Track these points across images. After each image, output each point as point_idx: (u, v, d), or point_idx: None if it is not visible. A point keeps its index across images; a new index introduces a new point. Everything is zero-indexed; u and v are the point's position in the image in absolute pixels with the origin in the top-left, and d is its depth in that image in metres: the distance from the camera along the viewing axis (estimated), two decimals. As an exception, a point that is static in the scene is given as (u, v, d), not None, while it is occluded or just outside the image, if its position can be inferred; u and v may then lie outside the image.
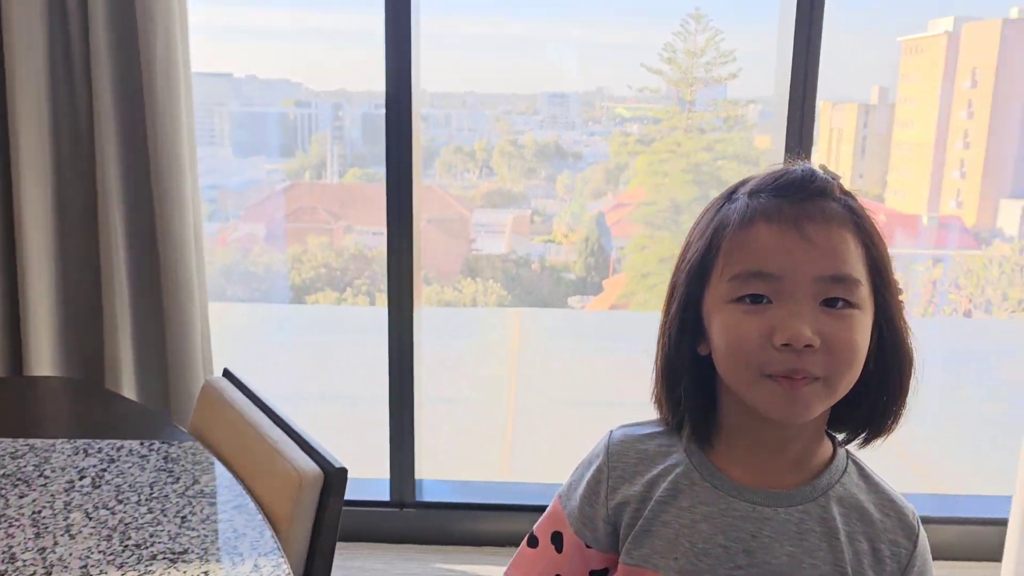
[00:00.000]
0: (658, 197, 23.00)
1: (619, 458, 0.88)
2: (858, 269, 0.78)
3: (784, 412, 0.77)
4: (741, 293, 0.78)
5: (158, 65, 2.00)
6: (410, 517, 2.42)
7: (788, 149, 2.08)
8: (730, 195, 0.84)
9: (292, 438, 1.31)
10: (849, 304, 0.77)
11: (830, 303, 0.77)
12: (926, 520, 0.85)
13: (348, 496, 2.51)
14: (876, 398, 0.82)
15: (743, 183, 0.84)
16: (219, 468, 1.33)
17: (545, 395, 4.84)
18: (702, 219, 0.85)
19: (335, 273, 19.45)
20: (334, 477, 1.22)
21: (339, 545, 1.82)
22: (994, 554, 2.25)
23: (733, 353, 0.78)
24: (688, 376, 0.85)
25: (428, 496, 2.46)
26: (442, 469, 3.26)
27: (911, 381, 0.82)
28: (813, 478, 0.84)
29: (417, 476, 2.44)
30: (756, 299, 0.77)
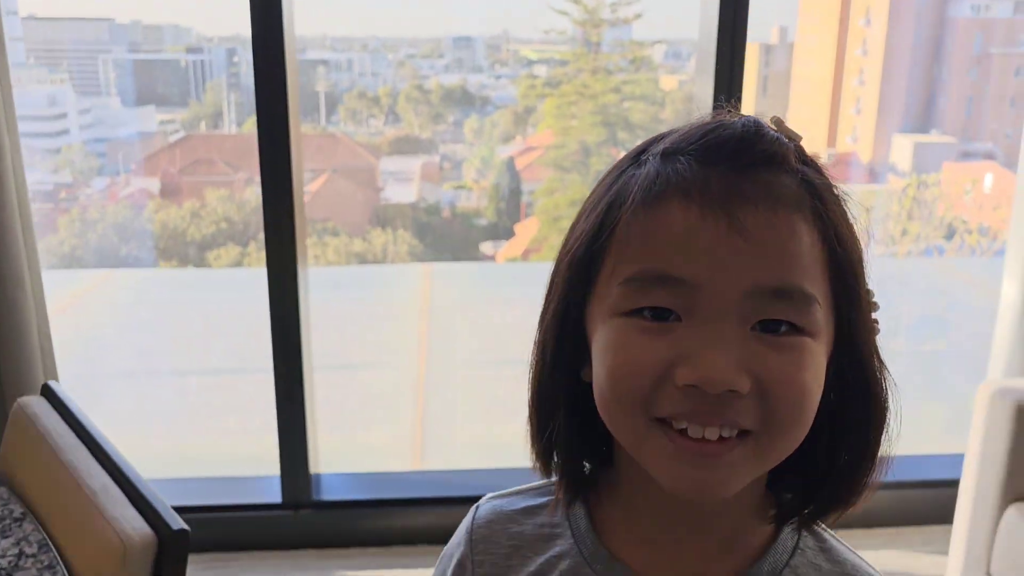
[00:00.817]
0: (567, 140, 23.17)
1: (486, 546, 0.65)
2: (813, 277, 0.53)
3: (686, 485, 0.53)
4: (637, 304, 0.53)
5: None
6: (306, 519, 2.16)
7: (716, 94, 1.89)
8: (637, 156, 0.58)
9: (121, 485, 1.03)
10: (797, 330, 0.52)
11: (769, 327, 0.52)
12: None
13: (233, 500, 2.23)
14: (831, 458, 0.58)
15: (658, 139, 0.58)
16: (25, 527, 1.04)
17: (459, 357, 4.63)
18: (596, 189, 0.60)
19: (237, 227, 18.74)
20: (171, 541, 0.95)
21: (222, 556, 1.54)
22: (928, 519, 2.17)
23: (613, 388, 0.53)
24: (566, 411, 0.59)
25: (327, 494, 2.21)
26: (342, 458, 2.99)
27: (882, 436, 0.57)
28: (752, 563, 0.60)
29: (313, 471, 2.19)
30: (659, 315, 0.52)
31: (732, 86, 1.91)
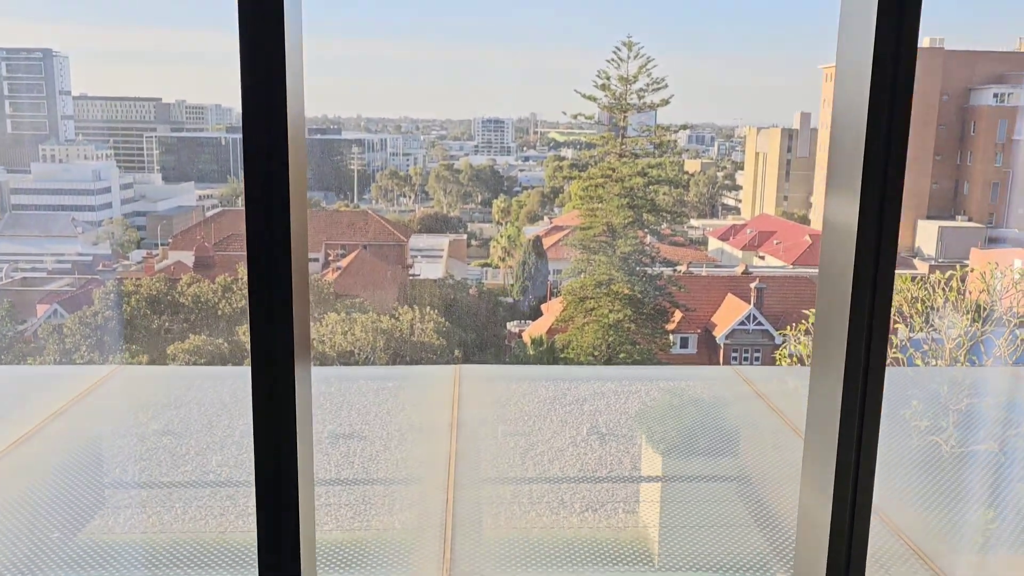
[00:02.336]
0: (593, 221, 24.03)
1: None
2: None
3: None
4: None
5: None
6: None
7: (864, 216, 1.50)
8: None
9: None
10: None
11: None
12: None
13: None
14: None
15: None
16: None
17: (493, 470, 4.42)
18: None
19: None
20: None
21: None
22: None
23: None
24: None
25: None
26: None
27: None
28: None
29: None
30: None
31: (885, 213, 1.48)
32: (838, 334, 1.52)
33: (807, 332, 10.28)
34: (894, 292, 11.11)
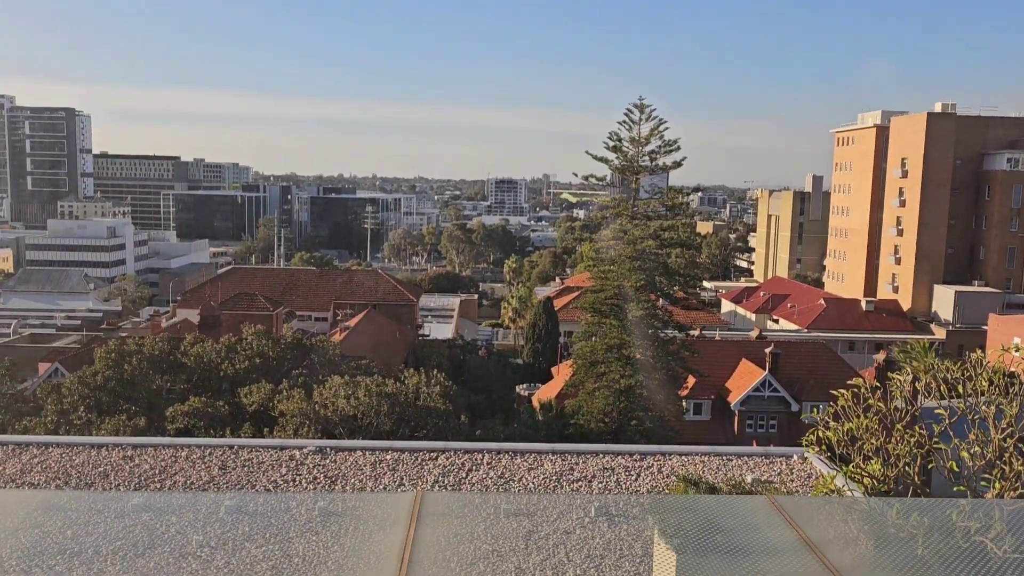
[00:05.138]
0: (605, 284, 24.09)
1: None
2: None
3: None
4: None
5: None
6: None
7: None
8: None
9: None
10: None
11: None
12: None
13: None
14: None
15: None
16: None
17: None
18: None
19: (271, 363, 19.42)
20: None
21: None
22: None
23: None
24: None
25: None
26: None
27: None
28: None
29: None
30: None
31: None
32: None
33: (836, 416, 9.48)
34: (924, 370, 9.94)
